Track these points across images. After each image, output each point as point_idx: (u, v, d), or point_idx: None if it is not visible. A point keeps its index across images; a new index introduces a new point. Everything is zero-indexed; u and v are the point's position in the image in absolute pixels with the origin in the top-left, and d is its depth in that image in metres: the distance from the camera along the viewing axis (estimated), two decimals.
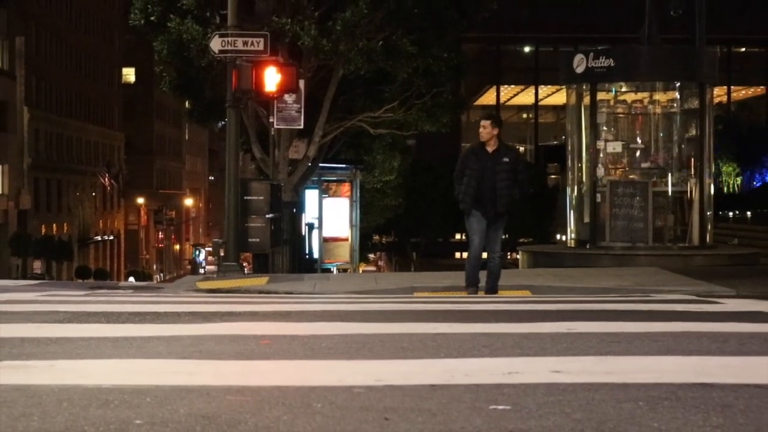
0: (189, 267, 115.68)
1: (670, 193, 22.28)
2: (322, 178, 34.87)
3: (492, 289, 14.10)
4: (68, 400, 4.25)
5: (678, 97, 22.86)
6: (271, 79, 20.19)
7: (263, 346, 6.23)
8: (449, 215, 67.37)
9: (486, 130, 14.43)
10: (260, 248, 22.37)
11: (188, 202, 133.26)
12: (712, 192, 23.05)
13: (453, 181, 14.68)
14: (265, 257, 23.88)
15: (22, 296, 11.07)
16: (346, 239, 36.45)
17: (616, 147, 22.73)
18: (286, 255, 25.80)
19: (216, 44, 19.47)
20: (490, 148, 14.22)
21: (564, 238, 26.49)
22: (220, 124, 31.36)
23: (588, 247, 21.80)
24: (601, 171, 22.30)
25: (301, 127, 26.21)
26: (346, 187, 36.35)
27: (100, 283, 28.73)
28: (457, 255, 73.29)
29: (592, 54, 21.89)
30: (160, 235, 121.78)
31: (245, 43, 19.24)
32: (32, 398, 4.32)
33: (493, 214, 14.03)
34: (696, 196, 22.18)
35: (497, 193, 13.90)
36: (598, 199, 21.96)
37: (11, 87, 78.20)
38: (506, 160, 14.13)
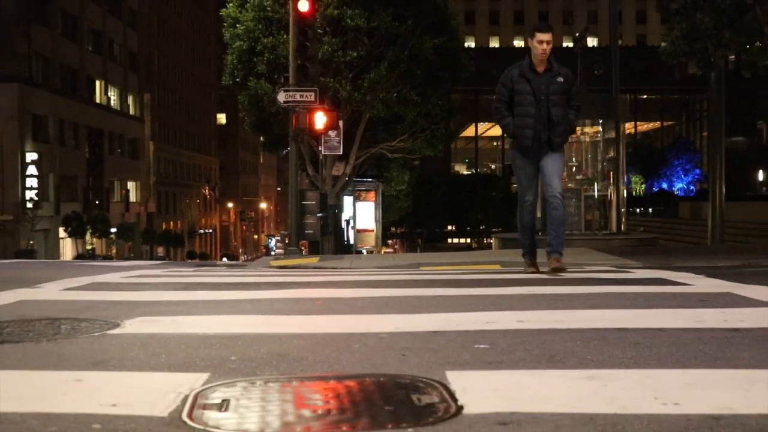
0: (264, 251, 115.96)
1: (596, 197, 22.20)
2: (356, 188, 34.95)
3: (556, 249, 9.09)
4: (185, 344, 4.28)
5: (601, 130, 22.78)
6: (320, 120, 20.23)
7: (317, 306, 6.25)
8: (443, 213, 67.43)
9: (548, 46, 8.80)
10: (313, 237, 22.46)
11: (263, 205, 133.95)
12: (625, 195, 22.97)
13: (493, 112, 9.28)
14: (317, 243, 23.98)
15: (151, 272, 11.12)
16: (372, 230, 36.50)
17: None
18: (331, 242, 25.85)
19: (281, 97, 19.51)
20: (540, 68, 8.83)
21: None
22: (284, 152, 31.44)
23: (540, 234, 21.62)
24: None
25: (341, 153, 26.30)
26: (372, 194, 36.41)
27: (204, 263, 28.76)
28: (449, 240, 73.17)
29: None
30: (244, 229, 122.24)
31: (301, 96, 19.26)
32: (160, 342, 4.35)
33: (548, 146, 8.89)
34: (613, 198, 22.11)
35: (551, 120, 8.78)
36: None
37: (141, 128, 78.79)
38: (560, 80, 8.83)
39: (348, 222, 34.09)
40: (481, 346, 4.10)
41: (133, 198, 76.41)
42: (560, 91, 8.82)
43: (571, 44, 68.69)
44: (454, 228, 72.72)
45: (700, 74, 22.81)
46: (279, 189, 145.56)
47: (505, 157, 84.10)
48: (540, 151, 8.93)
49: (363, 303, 6.24)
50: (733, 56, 20.56)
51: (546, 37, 8.76)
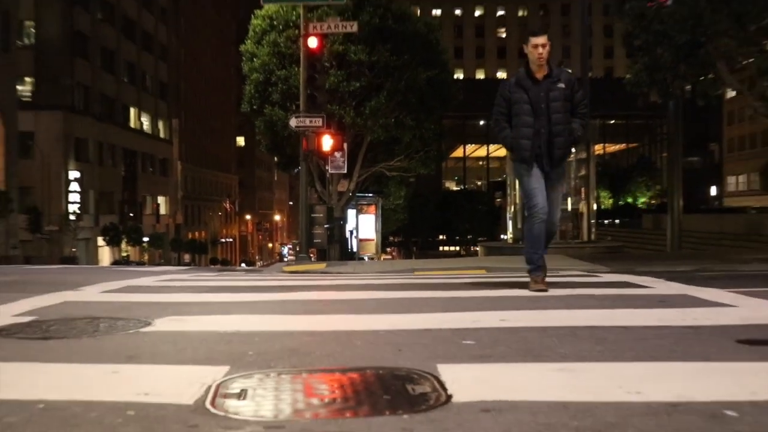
0: (277, 257, 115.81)
1: (569, 209, 22.21)
2: (358, 202, 34.90)
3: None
4: (207, 340, 4.29)
5: (574, 151, 22.75)
6: (327, 143, 20.26)
7: (324, 306, 6.25)
8: (435, 224, 67.48)
9: (543, 49, 6.95)
10: (321, 245, 22.44)
11: (277, 217, 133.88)
12: (595, 208, 22.95)
13: (492, 125, 7.37)
14: (324, 251, 23.91)
15: (179, 276, 11.12)
16: (373, 239, 36.44)
17: None
18: (336, 249, 25.81)
19: (293, 122, 19.55)
20: (539, 74, 6.98)
21: (506, 237, 26.37)
22: (296, 171, 31.41)
23: (520, 243, 21.69)
24: None
25: (345, 172, 26.27)
26: (372, 207, 36.34)
27: (224, 268, 28.74)
28: (440, 248, 73.12)
29: None
30: (260, 238, 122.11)
31: (311, 121, 19.30)
32: (186, 338, 4.37)
33: (549, 162, 7.11)
34: (585, 210, 22.12)
35: (552, 131, 6.97)
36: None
37: (170, 150, 78.84)
38: (561, 86, 6.95)
39: (351, 232, 34.04)
40: (468, 342, 4.11)
41: (162, 211, 76.51)
42: (562, 97, 6.99)
43: None
44: (444, 237, 72.71)
45: (660, 102, 22.80)
46: (291, 203, 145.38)
47: (495, 174, 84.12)
48: (541, 164, 7.16)
49: (364, 304, 6.24)
50: (689, 87, 20.54)
51: (541, 40, 6.94)
